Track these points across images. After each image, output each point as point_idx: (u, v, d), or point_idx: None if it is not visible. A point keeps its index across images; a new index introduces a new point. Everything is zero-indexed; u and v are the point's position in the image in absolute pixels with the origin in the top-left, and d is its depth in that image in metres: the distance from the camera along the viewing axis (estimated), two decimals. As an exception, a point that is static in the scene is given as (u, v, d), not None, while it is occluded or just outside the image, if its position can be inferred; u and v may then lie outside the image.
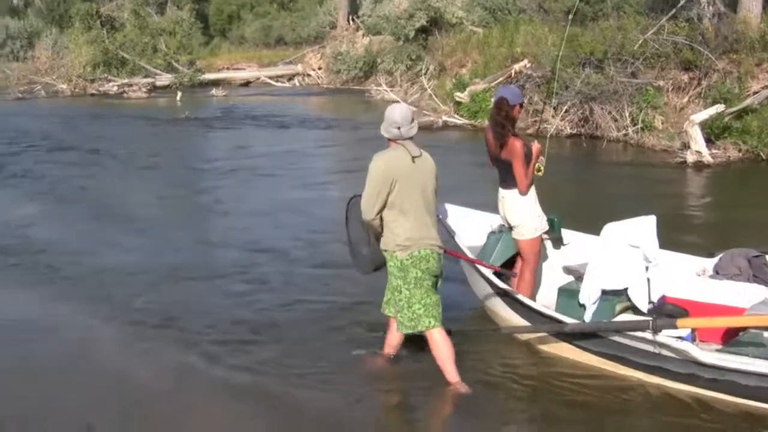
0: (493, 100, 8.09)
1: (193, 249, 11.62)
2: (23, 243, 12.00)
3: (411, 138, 6.85)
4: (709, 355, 6.38)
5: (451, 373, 6.86)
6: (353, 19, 41.62)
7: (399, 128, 6.77)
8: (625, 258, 7.40)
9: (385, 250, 6.89)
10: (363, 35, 39.79)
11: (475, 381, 7.01)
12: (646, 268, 7.52)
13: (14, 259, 11.13)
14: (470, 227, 8.73)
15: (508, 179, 7.93)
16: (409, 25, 32.97)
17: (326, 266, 10.32)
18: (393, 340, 7.23)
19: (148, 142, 22.90)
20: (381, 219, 6.83)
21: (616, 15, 23.34)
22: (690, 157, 16.98)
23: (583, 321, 7.30)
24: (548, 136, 14.13)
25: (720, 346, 6.84)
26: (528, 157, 7.79)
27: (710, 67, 19.40)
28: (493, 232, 8.39)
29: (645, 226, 7.57)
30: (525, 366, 7.40)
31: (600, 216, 11.10)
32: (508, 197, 7.98)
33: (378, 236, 6.93)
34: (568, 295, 7.74)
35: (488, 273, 7.82)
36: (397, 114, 6.80)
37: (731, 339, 6.72)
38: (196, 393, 7.21)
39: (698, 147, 17.02)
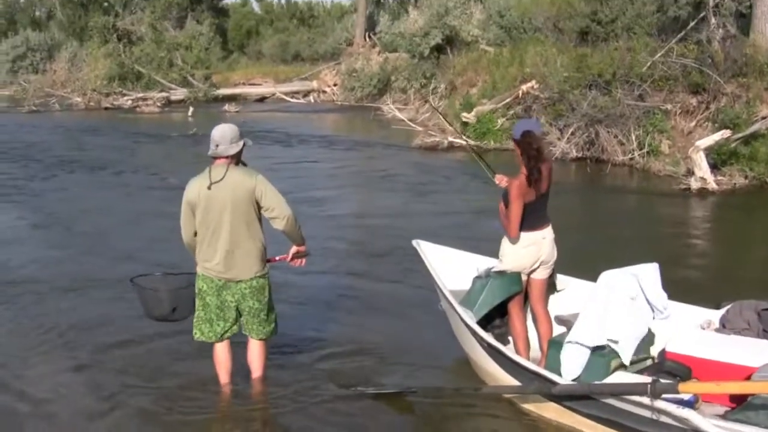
0: (515, 137, 7.27)
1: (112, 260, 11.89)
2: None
3: (229, 157, 6.79)
4: (713, 424, 5.63)
5: (223, 378, 7.23)
6: (370, 36, 41.34)
7: (217, 146, 6.77)
8: (624, 310, 6.78)
9: None
10: (379, 52, 39.47)
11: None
12: (654, 319, 6.97)
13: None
14: (454, 269, 8.13)
15: (546, 214, 7.43)
16: (424, 43, 32.66)
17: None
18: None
19: (139, 158, 22.84)
20: None
21: (626, 36, 22.88)
22: (694, 184, 16.50)
23: (569, 379, 6.65)
24: (553, 159, 13.75)
25: (726, 409, 6.22)
26: None
27: (719, 91, 18.94)
28: (479, 277, 7.63)
29: (647, 274, 6.99)
30: (506, 428, 6.81)
31: (599, 256, 10.70)
32: (551, 233, 7.45)
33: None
34: (559, 347, 7.00)
35: (472, 322, 7.21)
36: (217, 132, 6.79)
37: (739, 400, 6.09)
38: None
39: (702, 173, 16.54)
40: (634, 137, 19.51)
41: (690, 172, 16.99)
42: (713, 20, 19.90)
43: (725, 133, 16.98)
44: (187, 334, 7.39)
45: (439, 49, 32.61)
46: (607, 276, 6.84)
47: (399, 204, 15.96)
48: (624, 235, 13.63)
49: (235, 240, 6.79)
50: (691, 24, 20.78)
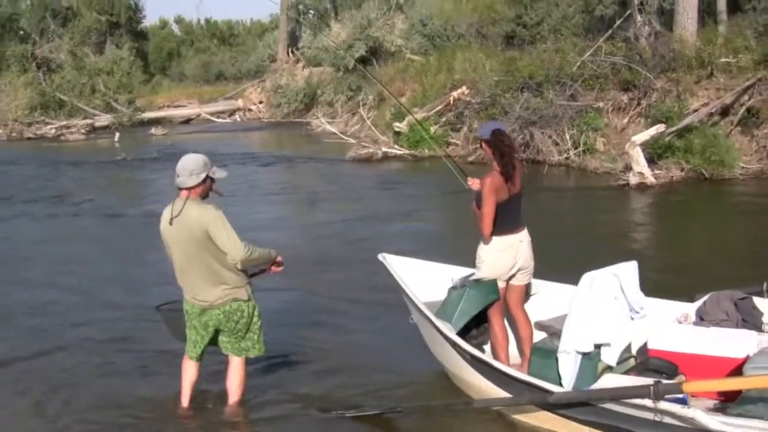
0: (486, 137, 7.08)
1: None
2: None
3: (190, 188, 6.62)
4: (720, 422, 5.50)
5: (184, 397, 7.08)
6: (293, 52, 41.19)
7: (177, 177, 6.63)
8: (609, 311, 6.66)
9: None
10: (303, 67, 39.39)
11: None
12: (632, 319, 6.85)
13: None
14: (426, 281, 7.80)
15: (521, 217, 7.21)
16: (348, 56, 32.63)
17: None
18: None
19: (66, 187, 22.00)
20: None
21: (553, 38, 23.10)
22: (633, 179, 16.68)
23: (569, 387, 6.45)
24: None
25: (715, 402, 6.12)
26: None
27: (649, 87, 19.19)
28: (454, 287, 7.34)
29: (627, 272, 6.86)
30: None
31: (552, 256, 10.49)
32: (527, 237, 7.25)
33: None
34: (542, 354, 6.82)
35: (452, 335, 6.94)
36: (179, 163, 6.65)
37: (727, 393, 5.99)
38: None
39: (640, 168, 16.74)
40: (568, 137, 19.68)
41: (628, 168, 17.18)
42: (639, 17, 20.16)
43: (660, 128, 17.20)
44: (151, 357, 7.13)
45: (364, 61, 32.58)
46: (590, 277, 6.65)
47: (346, 217, 15.75)
48: (574, 235, 13.56)
49: (201, 274, 6.59)
50: (618, 22, 21.03)
